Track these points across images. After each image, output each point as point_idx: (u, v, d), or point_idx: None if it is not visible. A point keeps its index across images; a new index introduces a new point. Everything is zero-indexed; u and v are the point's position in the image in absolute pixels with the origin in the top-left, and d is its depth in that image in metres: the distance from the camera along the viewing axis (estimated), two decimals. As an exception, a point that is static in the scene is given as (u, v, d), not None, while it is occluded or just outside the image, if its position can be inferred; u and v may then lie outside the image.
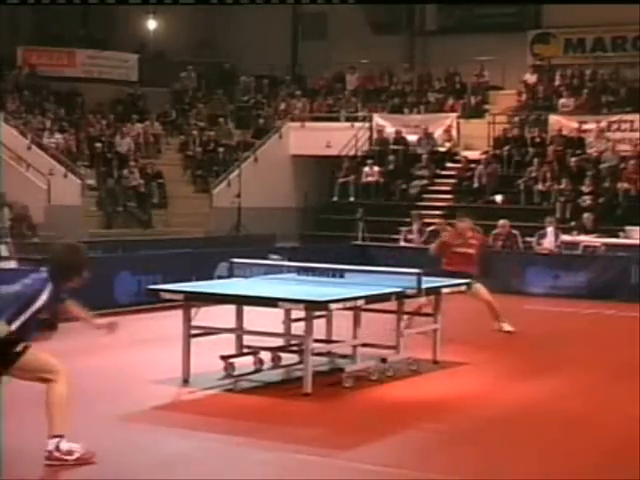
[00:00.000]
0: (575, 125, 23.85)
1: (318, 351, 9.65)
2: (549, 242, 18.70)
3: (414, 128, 25.41)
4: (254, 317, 9.90)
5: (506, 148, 23.91)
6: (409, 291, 9.90)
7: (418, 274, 10.02)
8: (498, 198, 22.64)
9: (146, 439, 7.44)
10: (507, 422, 8.36)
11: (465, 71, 27.02)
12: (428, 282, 10.34)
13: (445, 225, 18.09)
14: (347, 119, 26.47)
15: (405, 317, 10.63)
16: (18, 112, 24.71)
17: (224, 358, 9.85)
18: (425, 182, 24.07)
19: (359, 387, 9.38)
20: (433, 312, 10.81)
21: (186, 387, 9.30)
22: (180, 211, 24.36)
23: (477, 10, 28.75)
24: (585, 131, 23.61)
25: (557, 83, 26.19)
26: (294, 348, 10.18)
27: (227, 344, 10.08)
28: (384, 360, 9.93)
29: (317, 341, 9.57)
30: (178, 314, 9.61)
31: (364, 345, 9.90)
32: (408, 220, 20.42)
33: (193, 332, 9.56)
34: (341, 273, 10.57)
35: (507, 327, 13.13)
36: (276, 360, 10.33)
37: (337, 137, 25.31)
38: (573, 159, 22.64)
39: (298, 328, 9.54)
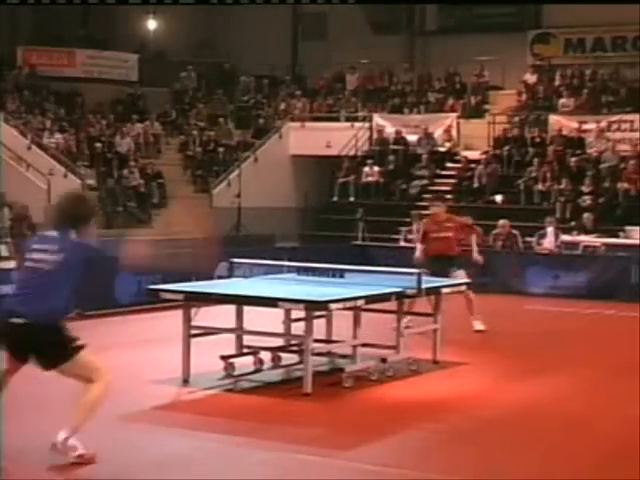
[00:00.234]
0: (575, 125, 23.84)
1: (318, 351, 9.65)
2: (549, 242, 18.71)
3: (414, 128, 25.40)
4: (254, 317, 9.90)
5: (506, 148, 23.90)
6: (409, 291, 9.91)
7: (418, 274, 10.04)
8: (498, 198, 22.64)
9: (146, 439, 7.44)
10: (507, 422, 8.36)
11: (465, 71, 27.02)
12: (428, 282, 10.36)
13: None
14: (347, 119, 26.46)
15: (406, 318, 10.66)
16: (18, 112, 24.70)
17: (224, 358, 9.85)
18: (425, 182, 24.06)
19: (359, 387, 9.38)
20: (433, 312, 10.81)
21: (186, 387, 9.30)
22: (180, 211, 24.32)
23: (477, 10, 28.76)
24: (585, 131, 23.60)
25: (557, 83, 26.18)
26: (294, 348, 10.18)
27: (227, 344, 10.09)
28: (384, 360, 9.93)
29: (317, 341, 9.57)
30: (178, 314, 9.61)
31: (364, 345, 9.90)
32: (408, 220, 20.42)
33: (193, 332, 9.56)
34: (341, 273, 10.58)
35: (479, 326, 13.08)
36: (276, 360, 10.33)
37: (337, 137, 25.31)
38: (573, 159, 22.63)
39: (298, 328, 9.55)
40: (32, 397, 7.14)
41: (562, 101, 24.97)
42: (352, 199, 24.20)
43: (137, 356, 10.93)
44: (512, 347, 12.24)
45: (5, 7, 24.83)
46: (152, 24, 30.84)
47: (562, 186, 21.84)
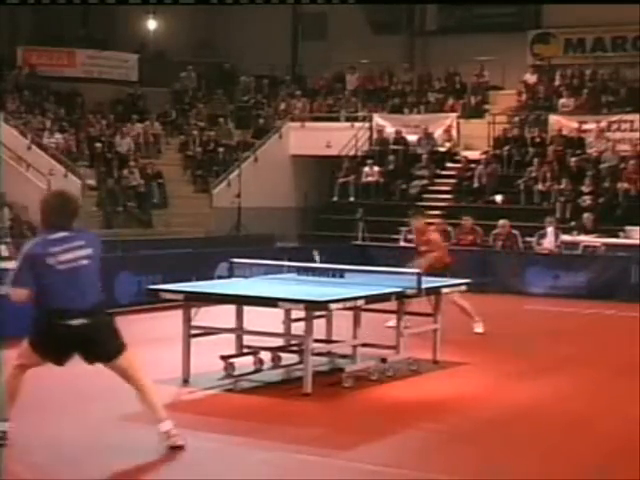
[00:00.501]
0: (575, 125, 23.84)
1: (318, 351, 9.65)
2: (549, 242, 18.71)
3: (414, 128, 25.40)
4: (254, 317, 9.91)
5: (506, 148, 23.90)
6: (409, 291, 9.91)
7: (418, 274, 10.04)
8: (498, 198, 22.63)
9: (146, 439, 7.44)
10: (507, 422, 8.36)
11: (465, 71, 27.02)
12: (428, 282, 10.36)
13: (445, 225, 18.16)
14: (347, 119, 26.46)
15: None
16: (18, 112, 24.70)
17: (224, 358, 9.85)
18: (425, 182, 24.06)
19: (359, 387, 9.38)
20: (433, 312, 10.81)
21: (186, 387, 9.31)
22: (180, 211, 24.36)
23: (477, 10, 28.75)
24: (585, 131, 23.59)
25: (557, 83, 26.18)
26: (294, 348, 10.18)
27: (227, 344, 10.09)
28: (384, 360, 9.93)
29: (317, 341, 9.57)
30: (178, 314, 9.61)
31: (364, 345, 9.91)
32: (408, 220, 20.39)
33: (193, 332, 9.56)
34: (341, 273, 10.59)
35: (478, 329, 12.95)
36: (276, 360, 10.33)
37: (337, 137, 25.31)
38: (573, 159, 22.63)
39: (298, 328, 9.55)
40: (33, 397, 7.14)
41: (562, 101, 24.97)
42: (352, 199, 24.19)
43: (137, 356, 10.89)
44: (512, 347, 12.23)
45: (5, 7, 24.79)
46: (152, 24, 30.83)
47: (562, 186, 21.83)
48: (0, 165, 21.22)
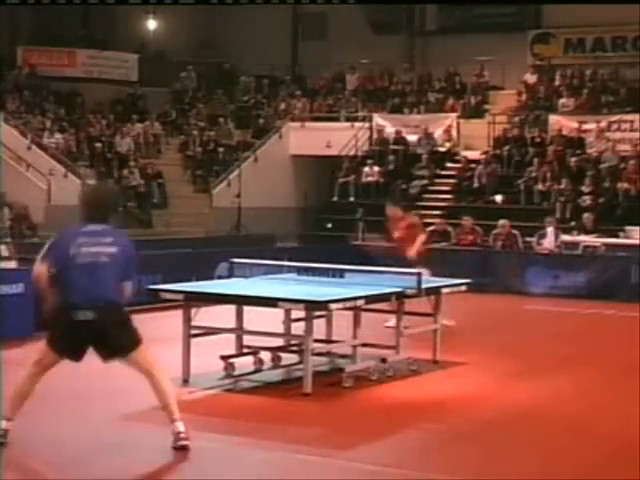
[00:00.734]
0: (575, 125, 23.83)
1: (318, 351, 9.65)
2: (549, 242, 18.70)
3: (414, 128, 25.39)
4: (254, 317, 9.90)
5: (506, 148, 23.89)
6: (409, 291, 9.91)
7: (418, 274, 10.04)
8: (498, 198, 22.63)
9: (146, 439, 7.44)
10: (507, 422, 8.36)
11: (465, 71, 27.01)
12: (428, 282, 10.36)
13: (445, 225, 18.18)
14: (347, 119, 26.45)
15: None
16: (18, 112, 24.70)
17: (224, 358, 9.85)
18: (425, 182, 24.05)
19: (359, 387, 9.38)
20: (433, 312, 10.81)
21: (186, 387, 9.30)
22: (180, 211, 24.36)
23: (477, 10, 28.73)
24: (585, 131, 23.58)
25: (557, 83, 26.17)
26: (294, 348, 10.18)
27: (227, 344, 10.09)
28: (384, 360, 9.93)
29: (317, 341, 9.57)
30: (178, 314, 9.61)
31: (364, 345, 9.91)
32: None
33: (193, 332, 9.56)
34: (341, 273, 10.58)
35: (445, 321, 12.99)
36: (276, 360, 10.33)
37: (337, 137, 25.30)
38: (573, 159, 22.62)
39: (298, 328, 9.55)
40: (33, 396, 7.13)
41: (562, 101, 24.96)
42: (352, 199, 24.18)
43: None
44: (512, 347, 12.23)
45: (5, 7, 24.80)
46: (152, 24, 30.81)
47: (562, 186, 21.83)
48: (0, 165, 21.22)
